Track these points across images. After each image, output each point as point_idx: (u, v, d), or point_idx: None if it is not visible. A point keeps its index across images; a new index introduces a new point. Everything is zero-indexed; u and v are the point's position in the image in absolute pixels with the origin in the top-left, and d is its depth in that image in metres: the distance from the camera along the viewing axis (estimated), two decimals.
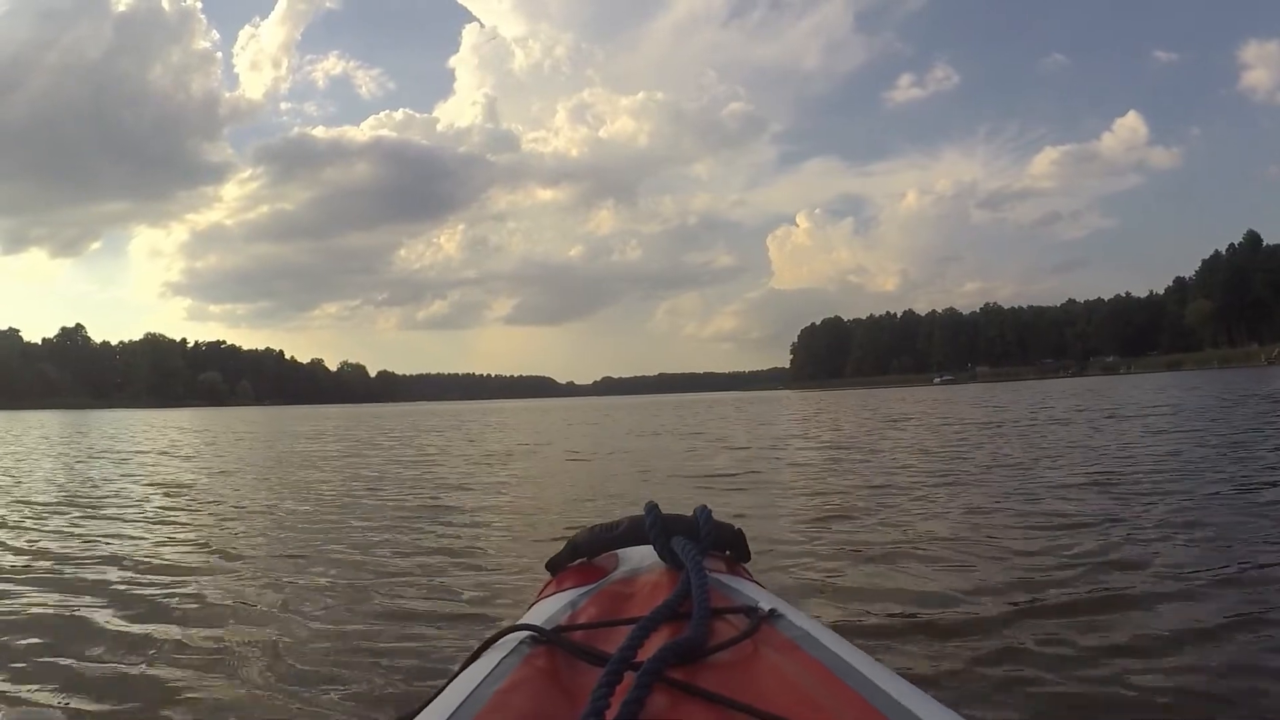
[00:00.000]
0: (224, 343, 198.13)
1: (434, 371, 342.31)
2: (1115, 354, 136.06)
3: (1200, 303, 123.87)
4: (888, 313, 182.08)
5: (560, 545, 1.44)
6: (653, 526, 1.28)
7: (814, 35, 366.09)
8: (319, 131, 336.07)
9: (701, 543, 1.25)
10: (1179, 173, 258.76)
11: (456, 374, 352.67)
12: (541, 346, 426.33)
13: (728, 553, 1.44)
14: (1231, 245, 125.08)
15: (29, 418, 55.64)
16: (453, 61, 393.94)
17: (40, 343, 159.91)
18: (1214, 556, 4.35)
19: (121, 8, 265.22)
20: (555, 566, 1.44)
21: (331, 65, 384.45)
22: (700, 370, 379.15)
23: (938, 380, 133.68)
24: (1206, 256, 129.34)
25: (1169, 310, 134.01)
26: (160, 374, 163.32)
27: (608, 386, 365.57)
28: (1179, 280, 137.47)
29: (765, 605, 1.07)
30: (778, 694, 0.81)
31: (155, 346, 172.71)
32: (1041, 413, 20.09)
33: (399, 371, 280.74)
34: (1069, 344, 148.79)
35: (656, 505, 1.32)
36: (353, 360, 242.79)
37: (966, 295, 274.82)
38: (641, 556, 1.35)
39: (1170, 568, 4.13)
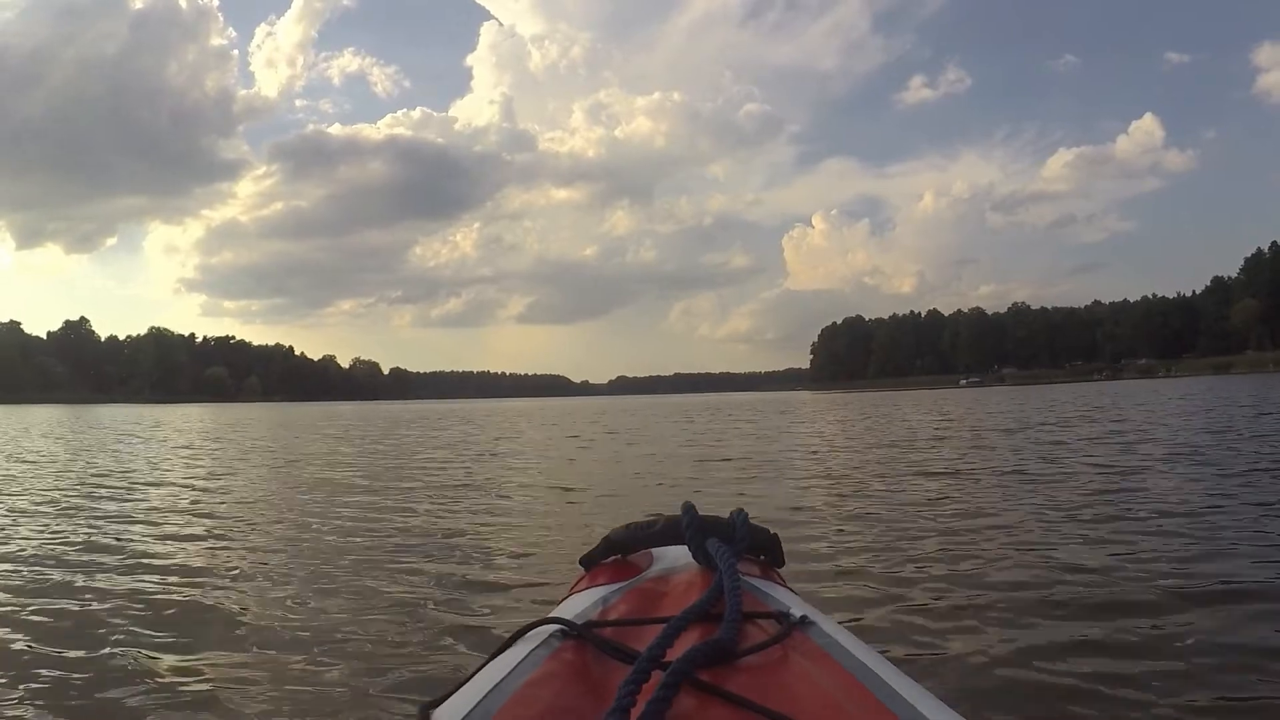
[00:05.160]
0: (233, 338, 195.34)
1: (448, 370, 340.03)
2: (1149, 356, 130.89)
3: (1246, 302, 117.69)
4: (911, 312, 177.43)
5: (595, 541, 1.44)
6: (689, 527, 1.27)
7: (831, 36, 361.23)
8: (335, 129, 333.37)
9: (736, 545, 1.25)
10: (1195, 175, 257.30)
11: (470, 372, 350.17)
12: (556, 345, 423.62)
13: (762, 557, 1.43)
14: (1274, 243, 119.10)
15: (12, 413, 53.05)
16: (470, 60, 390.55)
17: (45, 336, 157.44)
18: None
19: (139, 5, 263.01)
20: (589, 562, 1.43)
21: (347, 62, 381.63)
22: (716, 370, 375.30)
23: (964, 382, 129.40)
24: (1241, 256, 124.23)
25: (1207, 311, 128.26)
26: (164, 369, 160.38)
27: (622, 386, 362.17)
28: (1218, 280, 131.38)
29: (797, 611, 1.06)
30: (805, 701, 0.81)
31: (159, 341, 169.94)
32: None
33: (412, 369, 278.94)
34: (1099, 346, 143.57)
35: (694, 506, 1.32)
36: (366, 357, 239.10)
37: (982, 298, 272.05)
38: (676, 556, 1.34)
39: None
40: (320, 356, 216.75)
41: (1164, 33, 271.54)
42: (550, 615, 1.08)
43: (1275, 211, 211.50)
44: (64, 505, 8.01)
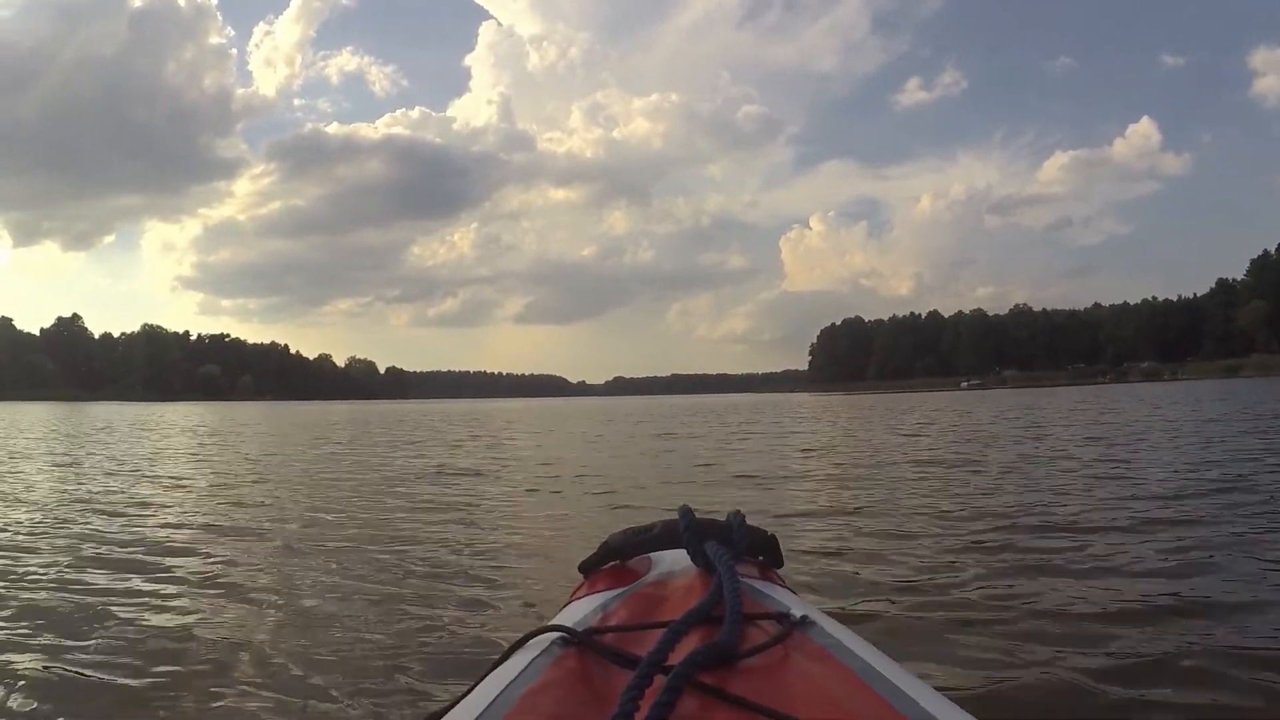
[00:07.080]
0: (228, 336, 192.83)
1: (444, 369, 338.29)
2: (1152, 359, 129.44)
3: (1254, 303, 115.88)
4: (911, 313, 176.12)
5: (593, 548, 1.43)
6: (687, 530, 1.26)
7: (830, 37, 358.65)
8: (333, 128, 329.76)
9: (735, 547, 1.24)
10: (1192, 178, 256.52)
11: (467, 372, 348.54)
12: (553, 346, 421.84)
13: (761, 558, 1.42)
14: None
15: None
16: (468, 60, 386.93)
17: (39, 333, 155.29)
18: None
19: (138, 4, 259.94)
20: (588, 568, 1.43)
21: (345, 61, 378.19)
22: (714, 371, 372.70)
23: (965, 385, 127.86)
24: (1238, 259, 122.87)
25: (1211, 313, 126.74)
26: (156, 367, 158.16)
27: (620, 387, 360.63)
28: (1222, 282, 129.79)
29: (797, 611, 1.06)
30: (808, 701, 0.80)
31: (152, 339, 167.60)
32: None
33: (409, 369, 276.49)
34: (1101, 348, 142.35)
35: (691, 509, 1.31)
36: (362, 356, 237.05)
37: (979, 300, 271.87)
38: (675, 560, 1.34)
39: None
40: (316, 355, 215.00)
41: (1160, 35, 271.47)
42: (550, 623, 1.07)
43: (1271, 215, 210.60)
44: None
